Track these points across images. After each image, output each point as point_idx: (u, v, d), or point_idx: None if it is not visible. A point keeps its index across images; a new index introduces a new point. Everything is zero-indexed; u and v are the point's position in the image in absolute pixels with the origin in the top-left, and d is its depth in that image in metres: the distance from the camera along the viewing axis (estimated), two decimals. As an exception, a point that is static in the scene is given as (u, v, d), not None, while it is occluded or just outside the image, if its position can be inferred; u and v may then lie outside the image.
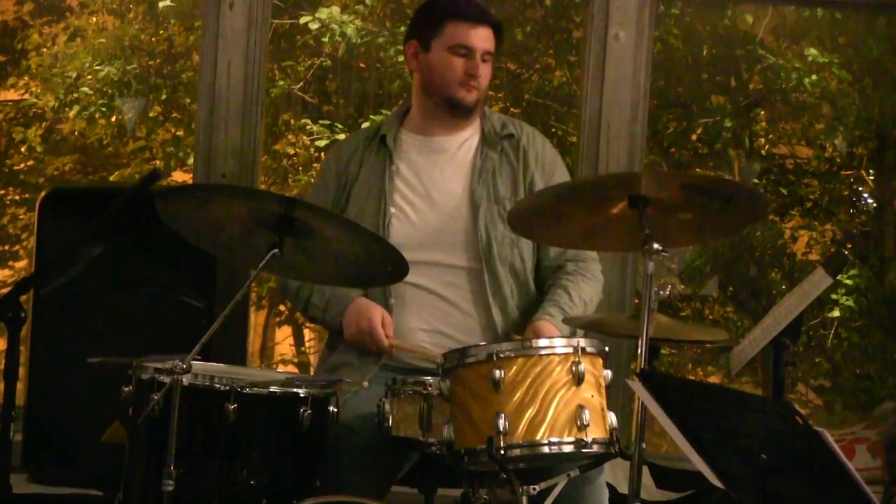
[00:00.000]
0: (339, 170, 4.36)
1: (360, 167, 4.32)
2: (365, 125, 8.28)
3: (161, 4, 9.34)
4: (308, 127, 9.44)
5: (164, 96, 9.66)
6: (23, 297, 3.62)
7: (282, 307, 10.52)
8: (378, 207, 4.23)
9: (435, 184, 4.28)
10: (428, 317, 4.18)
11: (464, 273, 4.21)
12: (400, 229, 4.21)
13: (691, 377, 9.63)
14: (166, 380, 3.48)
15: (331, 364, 4.23)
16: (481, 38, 4.24)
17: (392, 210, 4.23)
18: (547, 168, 4.33)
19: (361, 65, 9.52)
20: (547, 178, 4.30)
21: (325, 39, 9.17)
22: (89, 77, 9.54)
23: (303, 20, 9.13)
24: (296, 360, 10.67)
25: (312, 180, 9.22)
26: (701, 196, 3.60)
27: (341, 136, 8.99)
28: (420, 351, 4.11)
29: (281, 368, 9.91)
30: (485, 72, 4.26)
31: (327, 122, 9.36)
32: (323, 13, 9.09)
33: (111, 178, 9.63)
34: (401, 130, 4.36)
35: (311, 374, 5.02)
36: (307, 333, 10.79)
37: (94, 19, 9.89)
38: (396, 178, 4.28)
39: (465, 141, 4.33)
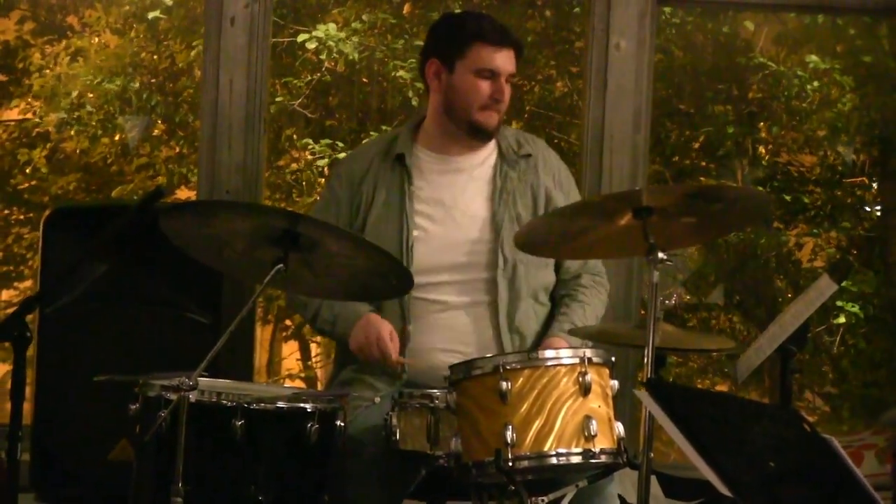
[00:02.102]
0: (351, 187, 4.29)
1: (376, 188, 4.26)
2: (365, 142, 8.28)
3: (151, 15, 9.33)
4: (310, 146, 9.44)
5: (165, 113, 9.66)
6: (29, 317, 3.62)
7: (288, 322, 10.51)
8: (400, 229, 4.19)
9: (456, 204, 4.24)
10: (447, 337, 4.15)
11: (485, 294, 4.19)
12: (424, 251, 4.17)
13: (699, 386, 9.62)
14: (173, 397, 3.49)
15: (343, 379, 4.21)
16: (506, 60, 4.19)
17: (415, 233, 4.19)
18: (564, 187, 4.32)
19: (364, 80, 9.52)
20: (565, 196, 4.29)
21: (324, 57, 9.18)
22: (91, 95, 9.55)
23: (300, 38, 9.14)
24: (303, 375, 10.65)
25: (311, 201, 9.23)
26: (703, 201, 3.62)
27: (342, 155, 8.97)
28: (426, 365, 4.09)
29: (288, 383, 9.90)
30: (507, 92, 4.22)
31: (328, 140, 9.36)
32: (320, 31, 9.09)
33: (114, 195, 9.63)
34: (416, 147, 4.30)
35: (319, 388, 5.02)
36: (314, 348, 10.78)
37: (96, 39, 9.90)
38: (417, 198, 4.23)
39: (485, 160, 4.29)
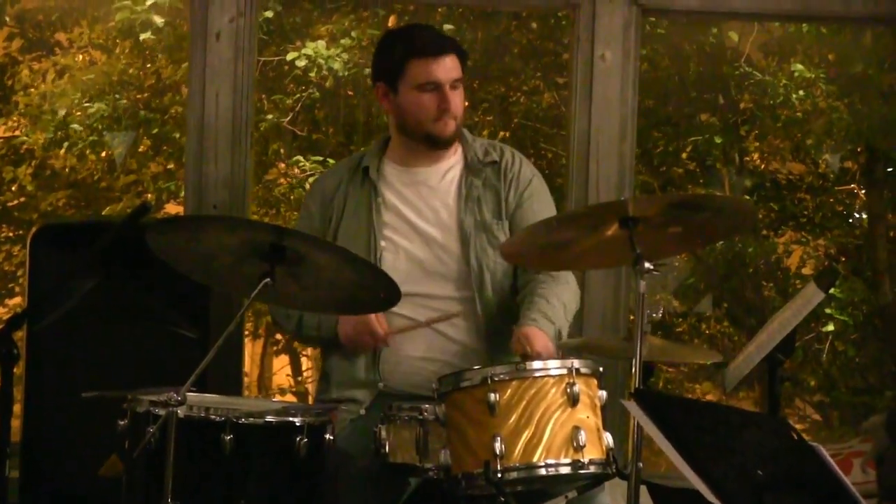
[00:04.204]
0: (323, 203, 4.34)
1: (346, 201, 4.30)
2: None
3: (142, 37, 9.32)
4: (301, 164, 9.46)
5: (154, 130, 9.67)
6: (17, 334, 3.62)
7: (279, 336, 10.52)
8: (368, 241, 4.22)
9: (422, 215, 4.26)
10: (421, 346, 4.16)
11: (456, 304, 4.20)
12: (392, 263, 4.19)
13: (688, 395, 9.63)
14: (161, 412, 3.49)
15: (326, 398, 4.23)
16: (446, 69, 4.19)
17: (383, 244, 4.22)
18: (521, 185, 4.30)
19: (349, 93, 9.54)
20: (520, 195, 4.28)
21: (313, 74, 9.20)
22: (78, 114, 9.55)
23: (289, 56, 9.16)
24: (293, 390, 10.66)
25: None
26: (688, 210, 3.63)
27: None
28: (420, 325, 4.11)
29: (278, 398, 9.90)
30: (456, 99, 4.22)
31: (319, 158, 9.38)
32: (309, 48, 9.11)
33: (103, 213, 9.63)
34: (384, 161, 4.34)
35: (310, 403, 5.02)
36: (305, 362, 10.78)
37: (81, 57, 9.91)
38: (384, 210, 4.26)
39: (449, 170, 4.31)
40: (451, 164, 4.32)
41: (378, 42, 4.43)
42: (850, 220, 9.98)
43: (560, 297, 4.15)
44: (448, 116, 4.21)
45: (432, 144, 4.26)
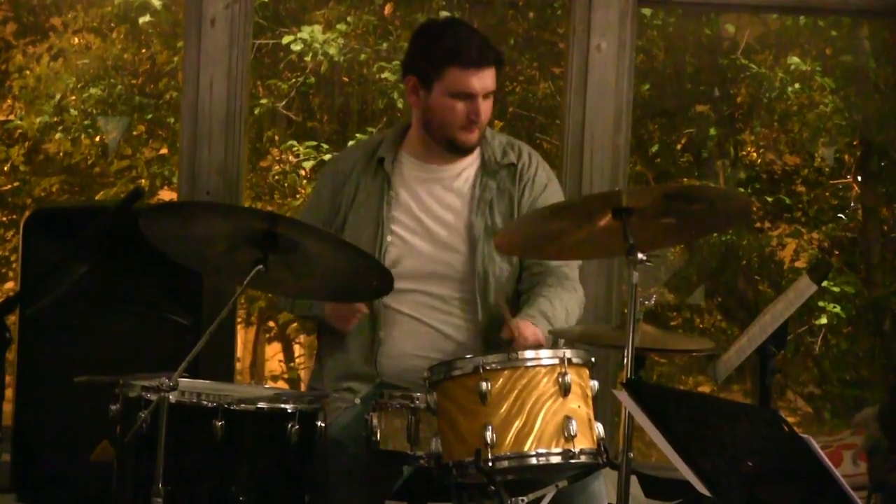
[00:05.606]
0: (335, 187, 4.29)
1: (357, 189, 4.26)
2: (351, 143, 8.28)
3: (141, 20, 9.31)
4: (295, 148, 9.44)
5: (149, 115, 9.65)
6: (11, 319, 3.62)
7: (271, 323, 10.52)
8: (375, 234, 4.18)
9: (432, 214, 4.22)
10: (420, 344, 4.15)
11: (458, 305, 4.18)
12: (397, 258, 4.17)
13: (681, 387, 9.63)
14: (153, 397, 3.50)
15: (321, 387, 4.22)
16: (483, 80, 4.12)
17: (389, 238, 4.19)
18: (535, 190, 4.25)
19: (345, 79, 9.52)
20: (534, 200, 4.23)
21: (308, 59, 9.18)
22: (73, 98, 9.53)
23: (285, 40, 9.14)
24: (286, 377, 10.66)
25: (298, 204, 9.25)
26: (681, 202, 3.64)
27: (328, 157, 8.96)
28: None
29: (271, 385, 9.89)
30: (486, 108, 4.16)
31: (313, 143, 9.36)
32: (305, 32, 9.09)
33: (97, 198, 9.62)
34: (400, 153, 4.28)
35: (302, 390, 5.03)
36: (297, 349, 10.78)
37: (76, 39, 9.88)
38: (394, 204, 4.22)
39: (465, 169, 4.26)
40: (468, 164, 4.26)
41: (417, 32, 4.34)
42: (849, 213, 9.98)
43: (564, 302, 4.12)
44: (475, 127, 4.16)
45: (453, 150, 4.20)
